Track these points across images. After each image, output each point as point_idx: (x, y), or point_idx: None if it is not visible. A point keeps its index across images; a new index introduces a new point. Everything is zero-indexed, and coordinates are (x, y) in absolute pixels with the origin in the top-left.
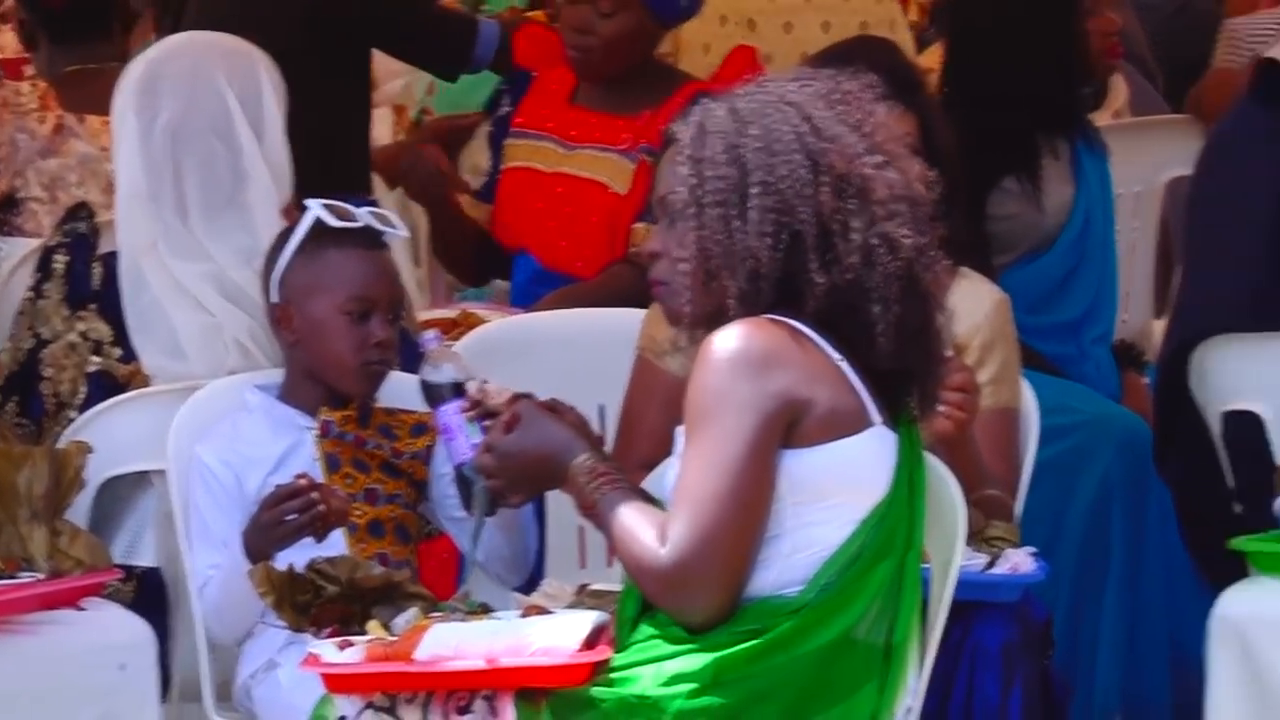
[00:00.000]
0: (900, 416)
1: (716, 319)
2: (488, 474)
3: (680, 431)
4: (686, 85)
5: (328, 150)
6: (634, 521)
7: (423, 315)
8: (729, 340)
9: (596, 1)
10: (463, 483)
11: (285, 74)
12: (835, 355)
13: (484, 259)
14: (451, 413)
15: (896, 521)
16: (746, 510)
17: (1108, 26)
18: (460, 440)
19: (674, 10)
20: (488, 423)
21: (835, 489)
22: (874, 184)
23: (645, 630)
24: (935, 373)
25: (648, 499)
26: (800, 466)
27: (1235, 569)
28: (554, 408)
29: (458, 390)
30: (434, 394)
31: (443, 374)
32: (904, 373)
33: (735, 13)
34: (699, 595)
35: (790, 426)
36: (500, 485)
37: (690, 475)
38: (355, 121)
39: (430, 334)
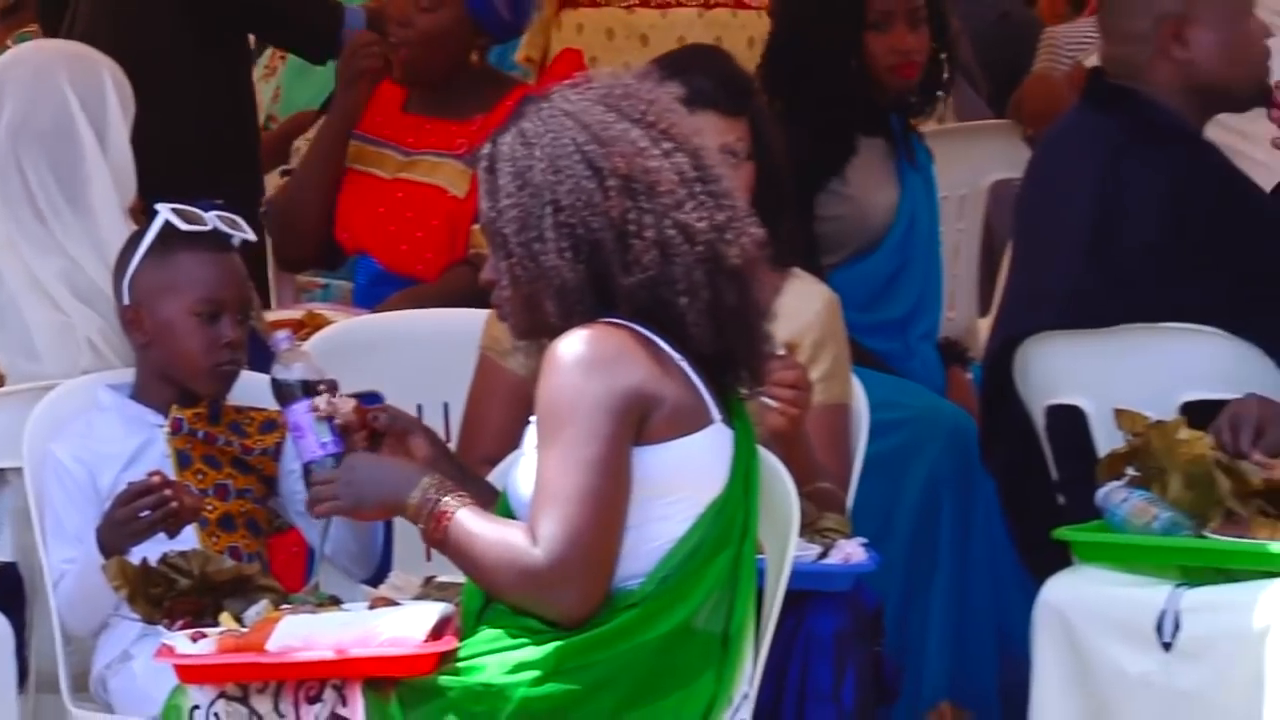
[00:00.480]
0: (734, 408)
1: (552, 333)
2: (330, 506)
3: (531, 429)
4: (515, 89)
5: (217, 138)
6: (498, 532)
7: (270, 316)
8: (575, 344)
9: None
10: (311, 481)
11: (170, 65)
12: (676, 355)
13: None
14: (301, 411)
15: (733, 514)
16: (611, 506)
17: (897, 44)
18: (310, 439)
19: (493, 15)
20: (338, 421)
21: (679, 484)
22: (660, 175)
23: (489, 621)
24: (759, 349)
25: (492, 492)
26: (648, 463)
27: (1058, 558)
28: (385, 411)
29: (308, 389)
30: (284, 393)
31: (293, 373)
32: (729, 354)
33: (624, 28)
34: (574, 591)
35: (640, 424)
36: (344, 508)
37: (553, 476)
38: (244, 107)
39: (281, 334)
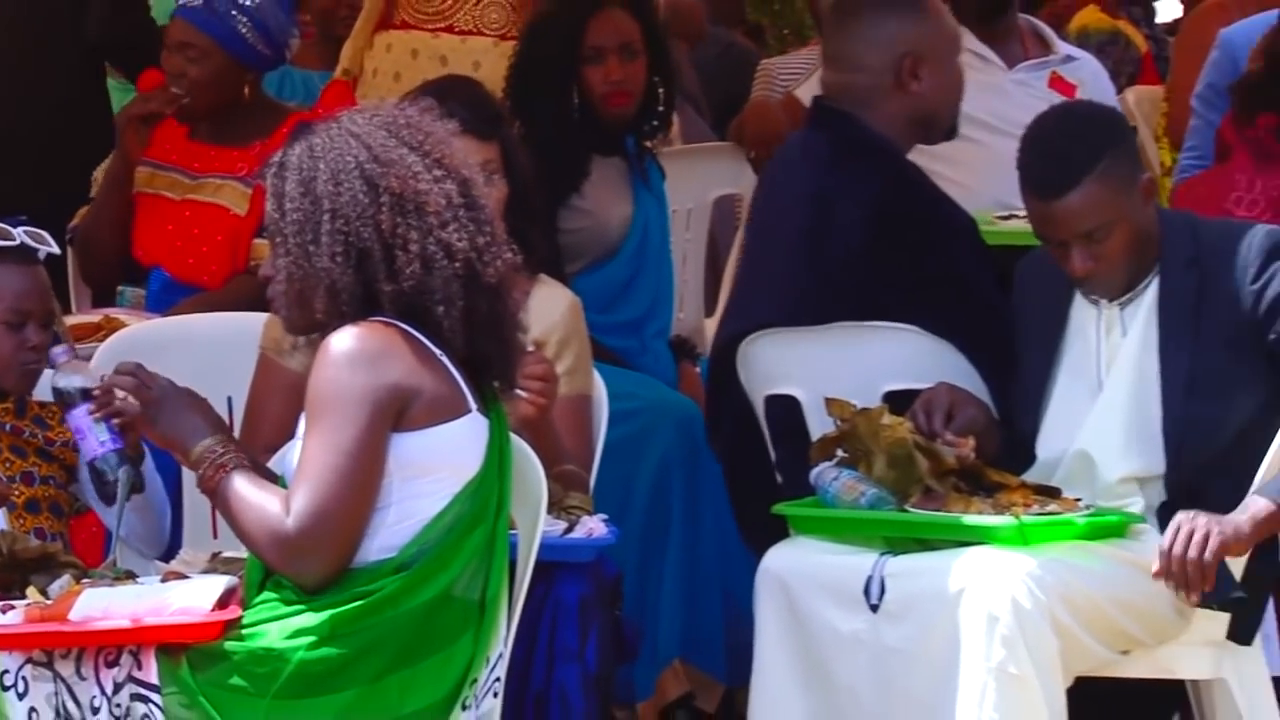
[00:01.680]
0: (489, 401)
1: (320, 329)
2: (130, 411)
3: (304, 418)
4: (291, 117)
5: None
6: (259, 497)
7: (70, 320)
8: (345, 340)
9: (186, 51)
10: (96, 475)
11: (75, 111)
12: (438, 351)
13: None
14: (81, 415)
15: (488, 493)
16: (359, 487)
17: (609, 75)
18: (90, 439)
19: (253, 54)
20: (116, 422)
21: (437, 466)
22: (429, 198)
23: (269, 592)
24: (510, 356)
25: (271, 477)
26: (408, 447)
27: (776, 530)
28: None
29: (86, 395)
30: (65, 400)
31: (72, 381)
32: (483, 359)
33: (428, 49)
34: (316, 560)
35: (400, 414)
36: (137, 417)
37: (311, 456)
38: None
39: (59, 349)
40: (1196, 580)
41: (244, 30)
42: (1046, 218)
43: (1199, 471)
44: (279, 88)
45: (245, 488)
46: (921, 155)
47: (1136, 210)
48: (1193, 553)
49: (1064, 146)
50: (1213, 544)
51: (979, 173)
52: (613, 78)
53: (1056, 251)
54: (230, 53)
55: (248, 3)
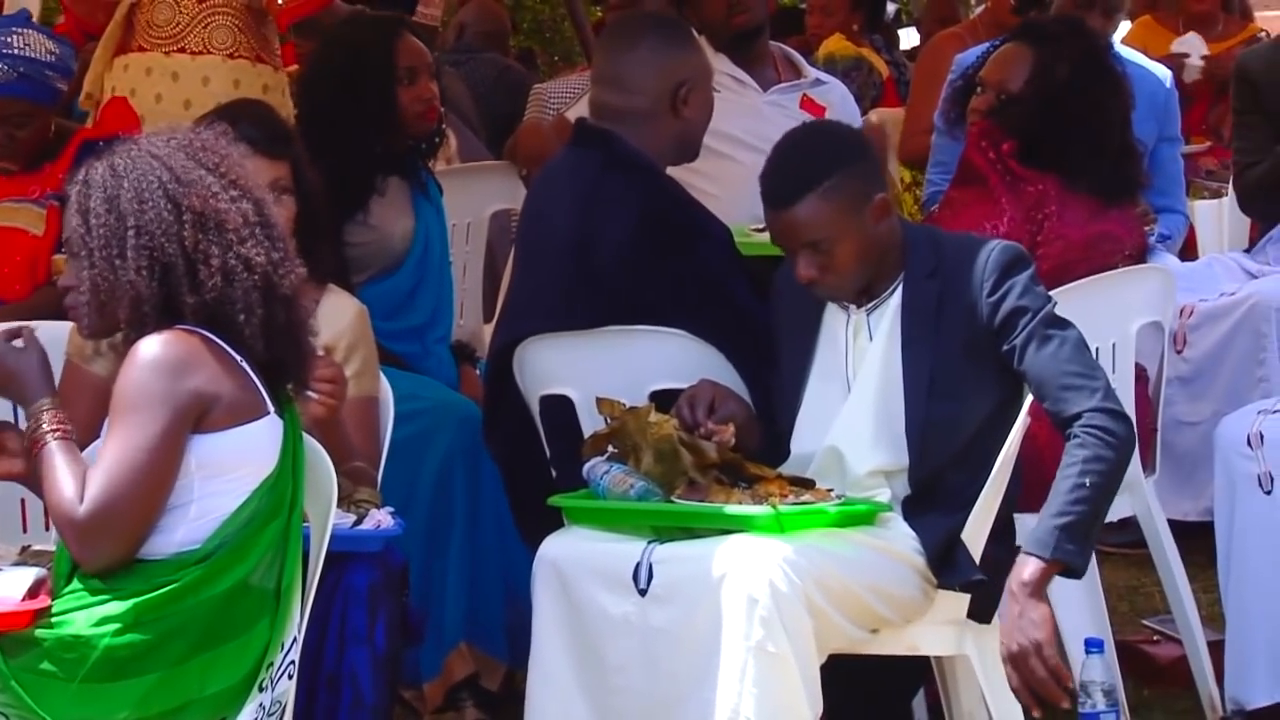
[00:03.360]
0: (283, 403)
1: (124, 337)
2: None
3: (108, 419)
4: (76, 136)
5: None
6: (63, 476)
7: None
8: (152, 346)
9: (11, 120)
10: None
11: None
12: (238, 357)
13: None
14: None
15: (283, 490)
16: (150, 483)
17: (422, 93)
18: None
19: (57, 93)
20: None
21: (236, 465)
22: (229, 216)
23: (76, 583)
24: (304, 361)
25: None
26: (209, 448)
27: (551, 522)
28: None
29: None
30: None
31: None
32: (279, 363)
33: (160, 67)
34: (102, 545)
35: (201, 417)
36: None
37: (109, 450)
38: None
39: None
40: (1055, 692)
41: (57, 83)
42: (776, 226)
43: (940, 465)
44: None
45: (58, 462)
46: (684, 171)
47: (866, 226)
48: (1041, 673)
49: (796, 163)
50: (1048, 654)
51: (736, 188)
52: (425, 95)
53: (789, 257)
54: (50, 106)
55: (53, 59)
